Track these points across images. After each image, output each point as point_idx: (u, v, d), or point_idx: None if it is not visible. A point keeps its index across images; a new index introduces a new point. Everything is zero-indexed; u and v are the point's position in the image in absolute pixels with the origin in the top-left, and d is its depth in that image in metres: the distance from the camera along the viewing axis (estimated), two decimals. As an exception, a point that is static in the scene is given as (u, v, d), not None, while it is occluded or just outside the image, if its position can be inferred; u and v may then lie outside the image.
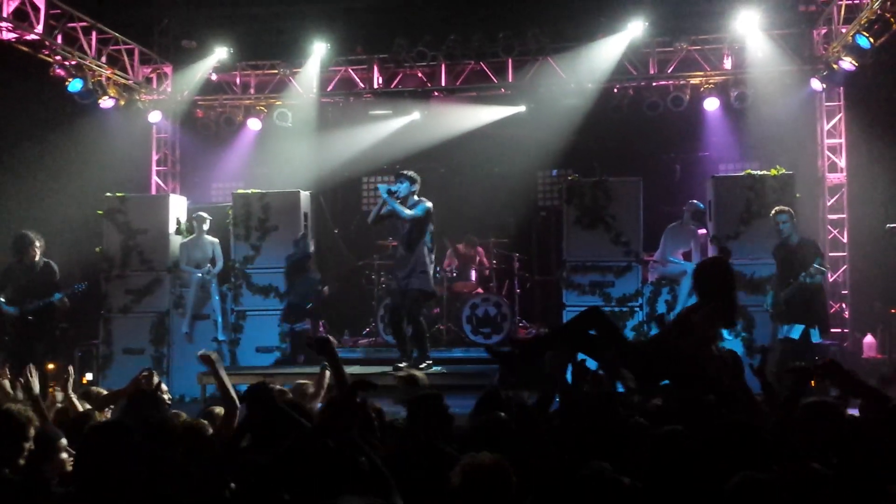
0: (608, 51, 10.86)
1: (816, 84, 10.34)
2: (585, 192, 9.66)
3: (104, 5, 10.80)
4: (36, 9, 9.45)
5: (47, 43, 9.85)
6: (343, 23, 11.48)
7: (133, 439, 3.76)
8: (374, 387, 3.77)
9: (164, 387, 5.44)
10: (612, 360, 4.98)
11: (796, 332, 8.05)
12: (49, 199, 11.08)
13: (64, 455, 3.96)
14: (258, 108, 11.96)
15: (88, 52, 10.48)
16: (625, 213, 9.59)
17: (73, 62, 10.29)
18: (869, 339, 9.36)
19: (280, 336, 9.95)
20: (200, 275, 10.06)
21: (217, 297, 10.10)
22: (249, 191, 10.50)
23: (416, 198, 8.46)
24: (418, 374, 5.83)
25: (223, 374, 4.85)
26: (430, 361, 8.67)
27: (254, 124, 11.94)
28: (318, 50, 11.40)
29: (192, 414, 4.91)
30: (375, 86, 11.72)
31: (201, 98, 11.97)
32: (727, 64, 10.89)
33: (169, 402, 5.42)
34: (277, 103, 11.77)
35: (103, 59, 10.88)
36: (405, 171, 8.57)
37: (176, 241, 10.45)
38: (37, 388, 4.88)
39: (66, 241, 10.20)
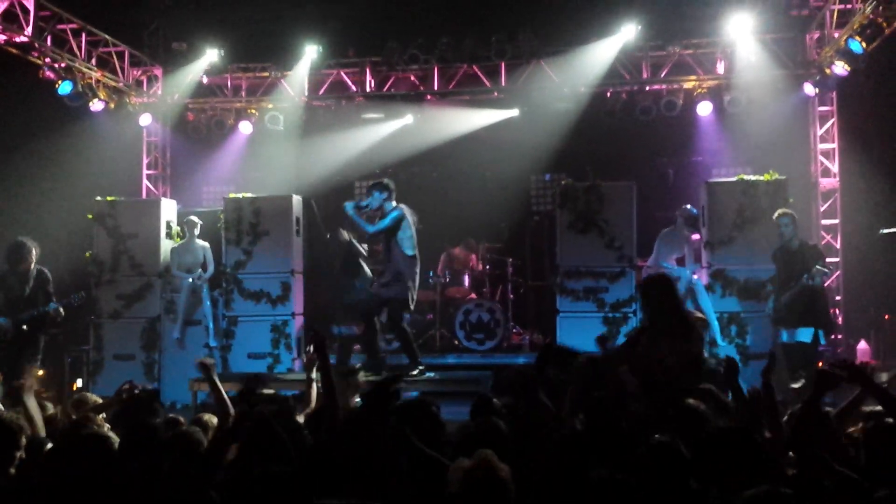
0: (601, 55, 10.84)
1: (809, 89, 10.35)
2: (579, 197, 9.63)
3: (94, 7, 10.71)
4: (25, 10, 9.37)
5: (37, 45, 9.76)
6: (335, 26, 11.42)
7: (109, 450, 3.73)
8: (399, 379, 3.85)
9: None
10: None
11: (806, 335, 8.05)
12: (38, 203, 10.99)
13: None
14: (249, 111, 11.89)
15: (78, 54, 10.40)
16: (618, 217, 9.57)
17: (63, 64, 10.20)
18: (862, 344, 9.36)
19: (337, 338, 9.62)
20: (191, 280, 9.98)
21: (208, 303, 10.01)
22: (241, 195, 10.42)
23: (392, 204, 8.53)
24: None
25: (218, 381, 4.82)
26: (422, 367, 8.64)
27: (245, 128, 11.87)
28: (310, 53, 11.36)
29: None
30: (367, 89, 11.68)
31: (192, 101, 11.89)
32: (720, 68, 10.89)
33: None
34: (269, 106, 11.72)
35: (93, 61, 10.80)
36: (376, 181, 8.69)
37: (167, 245, 10.36)
38: (31, 396, 4.83)
39: (56, 246, 10.08)
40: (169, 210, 10.65)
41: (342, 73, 11.73)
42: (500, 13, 11.32)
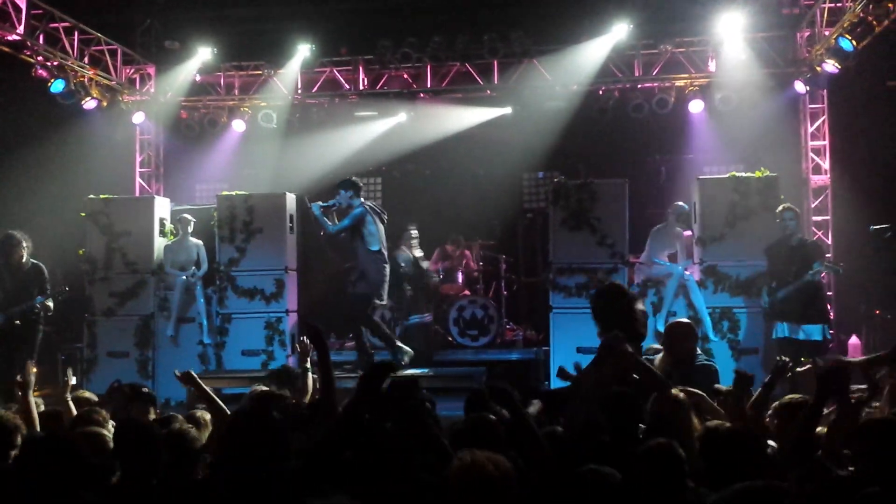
0: (593, 53, 10.88)
1: (800, 86, 10.41)
2: (571, 195, 9.66)
3: (87, 6, 10.71)
4: (17, 9, 9.35)
5: (29, 43, 9.75)
6: (328, 24, 11.44)
7: (73, 454, 3.74)
8: (394, 369, 3.82)
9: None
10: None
11: (816, 332, 8.13)
12: (31, 201, 10.97)
13: None
14: (242, 109, 11.90)
15: (71, 52, 10.39)
16: (610, 215, 9.60)
17: (56, 63, 10.19)
18: (854, 340, 9.43)
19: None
20: (185, 277, 9.99)
21: (202, 300, 10.02)
22: (234, 192, 10.43)
23: (358, 201, 8.79)
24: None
25: (205, 387, 4.84)
26: (407, 353, 8.86)
27: (238, 125, 11.88)
28: (303, 51, 11.36)
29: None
30: (361, 87, 11.70)
31: (185, 99, 11.87)
32: (712, 66, 10.94)
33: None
34: (262, 104, 11.73)
35: (86, 59, 10.79)
36: (343, 180, 8.90)
37: (160, 243, 10.36)
38: (30, 393, 4.85)
39: (50, 244, 10.08)
40: (162, 208, 10.65)
41: (335, 72, 11.74)
42: (492, 12, 11.37)
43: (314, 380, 5.35)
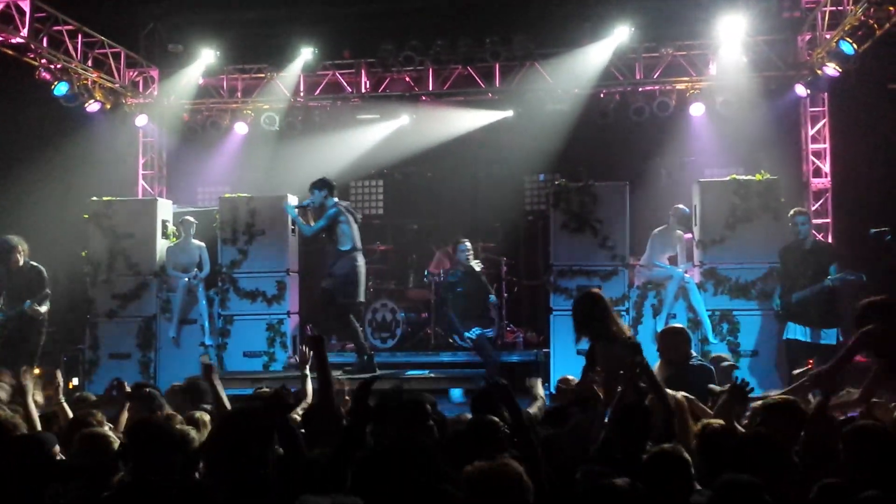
0: (594, 56, 10.90)
1: (801, 90, 10.43)
2: (572, 197, 9.70)
3: (90, 9, 10.76)
4: (21, 12, 9.41)
5: (33, 46, 9.81)
6: (330, 27, 11.48)
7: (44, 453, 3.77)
8: (371, 382, 3.87)
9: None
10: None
11: (830, 336, 8.16)
12: (34, 203, 11.01)
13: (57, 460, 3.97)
14: (245, 111, 11.93)
15: (74, 55, 10.45)
16: (611, 217, 9.64)
17: (59, 65, 10.25)
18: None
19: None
20: (187, 279, 10.04)
21: (204, 302, 10.07)
22: (236, 195, 10.47)
23: (333, 200, 8.84)
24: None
25: (220, 387, 4.88)
26: (368, 355, 8.95)
27: (241, 128, 11.92)
28: (306, 54, 11.40)
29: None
30: (363, 90, 11.74)
31: (188, 102, 11.91)
32: (713, 69, 10.95)
33: None
34: (264, 107, 11.76)
35: (89, 62, 10.84)
36: (317, 179, 8.88)
37: (162, 245, 10.42)
38: (30, 394, 4.88)
39: (53, 246, 10.14)
40: (165, 210, 10.71)
41: (337, 74, 11.78)
42: (494, 15, 11.39)
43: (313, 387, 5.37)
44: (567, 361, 8.90)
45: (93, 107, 10.75)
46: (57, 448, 4.05)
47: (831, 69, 9.46)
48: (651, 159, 11.72)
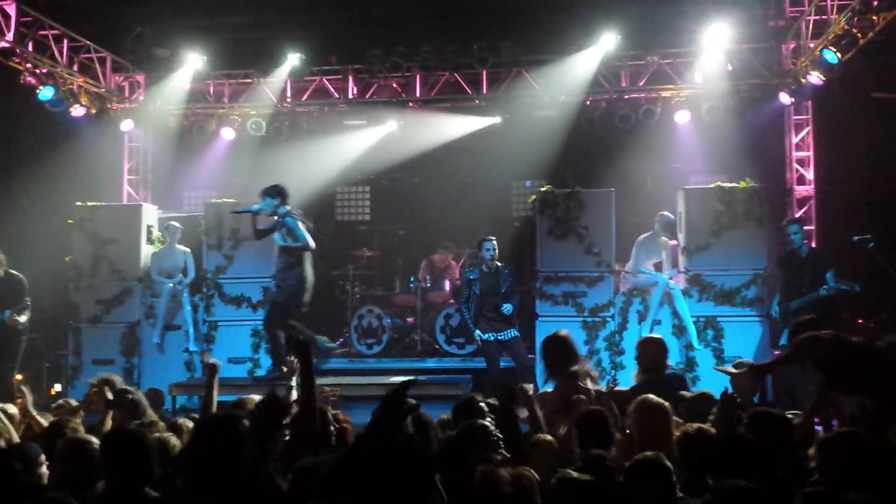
0: (581, 64, 10.95)
1: (785, 98, 10.50)
2: (558, 203, 9.73)
3: (76, 13, 10.72)
4: (6, 16, 9.39)
5: (18, 50, 9.78)
6: (317, 33, 11.47)
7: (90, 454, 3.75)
8: (416, 382, 3.80)
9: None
10: None
11: None
12: (19, 208, 10.96)
13: (43, 469, 3.94)
14: (232, 117, 11.90)
15: (60, 60, 10.41)
16: (597, 223, 9.67)
17: (44, 70, 10.21)
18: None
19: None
20: (172, 285, 9.99)
21: (189, 308, 10.02)
22: (222, 200, 10.44)
23: (286, 208, 8.48)
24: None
25: (215, 389, 4.86)
26: (281, 371, 7.94)
27: (227, 133, 11.88)
28: (293, 59, 11.39)
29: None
30: (350, 96, 11.73)
31: (174, 107, 11.87)
32: (698, 77, 11.01)
33: None
34: (251, 112, 11.73)
35: (75, 67, 10.80)
36: (270, 186, 8.49)
37: (147, 250, 10.37)
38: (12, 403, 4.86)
39: (37, 251, 10.09)
40: (150, 215, 10.67)
41: (325, 80, 11.77)
42: (481, 22, 11.41)
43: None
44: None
45: (78, 111, 10.69)
46: (42, 458, 4.02)
47: (815, 77, 9.53)
48: (636, 166, 11.76)
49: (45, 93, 10.21)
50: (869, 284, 8.75)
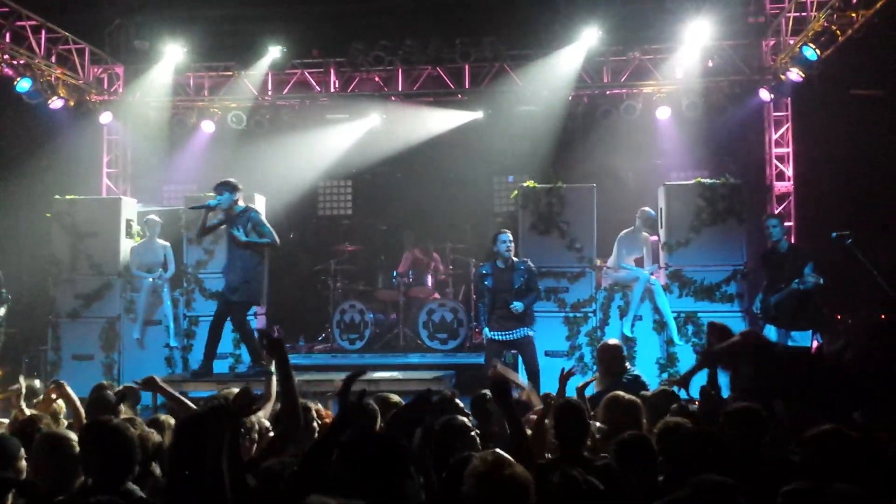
0: (563, 59, 10.97)
1: (765, 94, 10.58)
2: (540, 199, 9.75)
3: (54, 4, 10.60)
4: (-17, 7, 9.25)
5: (-6, 42, 9.65)
6: (299, 26, 11.41)
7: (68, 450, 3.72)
8: (362, 372, 3.77)
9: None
10: None
11: (806, 339, 8.30)
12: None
13: (22, 463, 3.90)
14: (212, 110, 11.79)
15: (37, 51, 10.28)
16: (579, 219, 9.70)
17: (22, 61, 10.08)
18: (816, 343, 9.59)
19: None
20: (152, 279, 9.92)
21: (169, 303, 9.96)
22: (203, 194, 10.34)
23: (243, 205, 8.33)
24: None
25: (171, 389, 4.83)
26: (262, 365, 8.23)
27: (207, 126, 11.79)
28: (274, 52, 11.30)
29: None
30: (332, 89, 11.68)
31: (154, 99, 11.76)
32: (678, 73, 11.06)
33: None
34: (231, 105, 11.64)
35: (53, 58, 10.67)
36: (225, 181, 8.34)
37: (126, 244, 10.28)
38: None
39: (15, 245, 9.98)
40: (129, 209, 10.57)
41: (306, 73, 11.71)
42: (464, 16, 11.41)
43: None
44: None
45: (56, 104, 10.57)
46: (22, 452, 3.99)
47: (795, 74, 9.61)
48: (618, 162, 11.82)
49: (23, 84, 10.09)
50: (847, 280, 8.84)
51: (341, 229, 12.88)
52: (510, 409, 3.95)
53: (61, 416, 5.12)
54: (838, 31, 8.89)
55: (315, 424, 4.67)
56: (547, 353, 9.00)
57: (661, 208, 9.75)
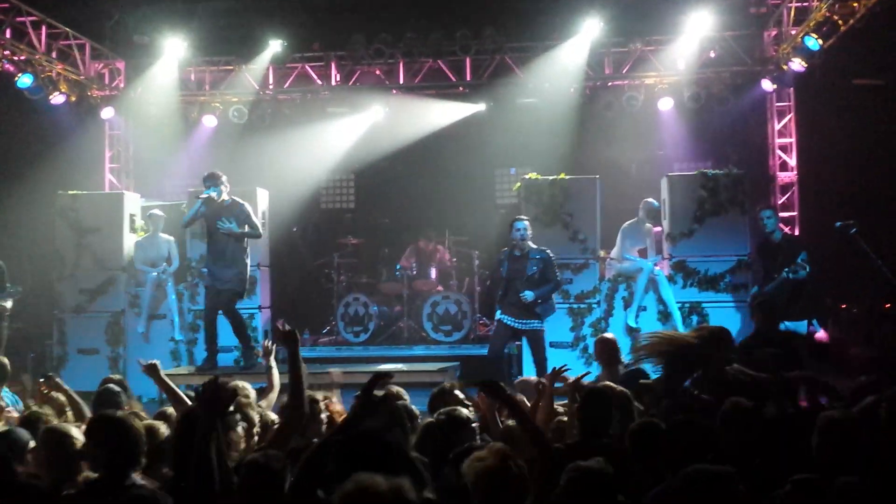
0: (565, 51, 10.95)
1: (767, 84, 10.57)
2: (543, 191, 9.75)
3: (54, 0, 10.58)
4: (-17, 3, 9.24)
5: (-5, 38, 9.63)
6: (300, 19, 11.39)
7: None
8: (389, 376, 3.78)
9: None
10: None
11: (801, 329, 8.32)
12: (0, 197, 10.82)
13: (29, 457, 3.92)
14: (213, 104, 11.78)
15: (38, 46, 10.27)
16: (582, 211, 9.70)
17: (23, 57, 10.07)
18: (821, 333, 9.60)
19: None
20: (156, 274, 9.92)
21: (173, 297, 9.97)
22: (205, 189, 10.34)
23: (227, 198, 8.40)
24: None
25: (169, 382, 4.84)
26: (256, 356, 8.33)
27: (209, 121, 11.78)
28: (274, 46, 11.28)
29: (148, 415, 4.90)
30: (333, 83, 11.66)
31: (155, 94, 11.72)
32: (680, 64, 11.04)
33: None
34: (233, 100, 11.63)
35: (53, 54, 10.66)
36: (212, 174, 8.39)
37: (130, 239, 10.28)
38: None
39: (18, 241, 9.99)
40: (132, 204, 10.56)
41: (307, 67, 11.69)
42: (465, 9, 11.38)
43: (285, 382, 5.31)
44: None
45: (58, 99, 10.56)
46: (31, 444, 4.01)
47: (797, 64, 9.61)
48: (621, 153, 11.82)
49: (24, 80, 10.08)
50: (851, 270, 8.85)
51: (344, 223, 12.88)
52: (511, 400, 3.94)
53: (67, 410, 5.13)
54: (840, 21, 8.89)
55: (323, 416, 4.67)
56: (552, 345, 8.98)
57: (664, 199, 9.75)
